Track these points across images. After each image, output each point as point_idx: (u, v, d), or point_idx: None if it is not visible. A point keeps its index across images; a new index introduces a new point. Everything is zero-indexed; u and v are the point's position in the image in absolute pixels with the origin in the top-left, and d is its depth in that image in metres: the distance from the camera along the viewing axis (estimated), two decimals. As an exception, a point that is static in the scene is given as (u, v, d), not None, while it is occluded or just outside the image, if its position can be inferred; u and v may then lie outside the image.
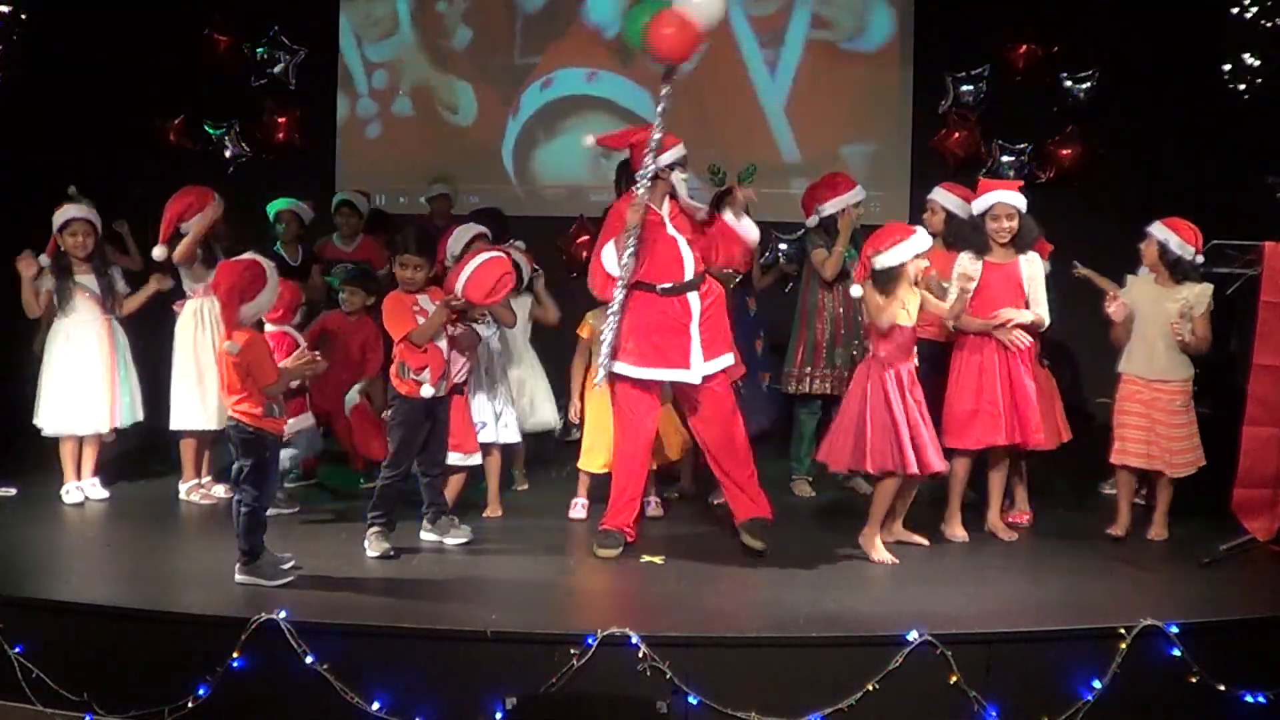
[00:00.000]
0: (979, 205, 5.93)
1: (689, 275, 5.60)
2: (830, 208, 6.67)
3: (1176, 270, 5.78)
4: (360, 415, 6.51)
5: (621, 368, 5.63)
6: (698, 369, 5.61)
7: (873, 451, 5.47)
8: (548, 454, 7.32)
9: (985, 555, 5.78)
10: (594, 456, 6.27)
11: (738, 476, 5.74)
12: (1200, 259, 5.79)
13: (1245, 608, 5.04)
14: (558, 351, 6.72)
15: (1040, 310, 5.85)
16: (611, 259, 5.56)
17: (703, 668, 4.58)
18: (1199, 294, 5.76)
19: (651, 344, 5.59)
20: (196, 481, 6.46)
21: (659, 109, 5.46)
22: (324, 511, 6.31)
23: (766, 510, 5.76)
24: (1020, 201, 5.85)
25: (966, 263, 5.89)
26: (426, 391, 5.54)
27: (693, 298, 5.61)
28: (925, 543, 5.82)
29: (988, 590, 5.28)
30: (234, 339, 5.08)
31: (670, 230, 5.61)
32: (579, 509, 6.34)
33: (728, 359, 5.73)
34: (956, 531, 5.99)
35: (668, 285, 5.59)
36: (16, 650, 4.80)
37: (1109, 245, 6.40)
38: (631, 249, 5.48)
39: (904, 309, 5.50)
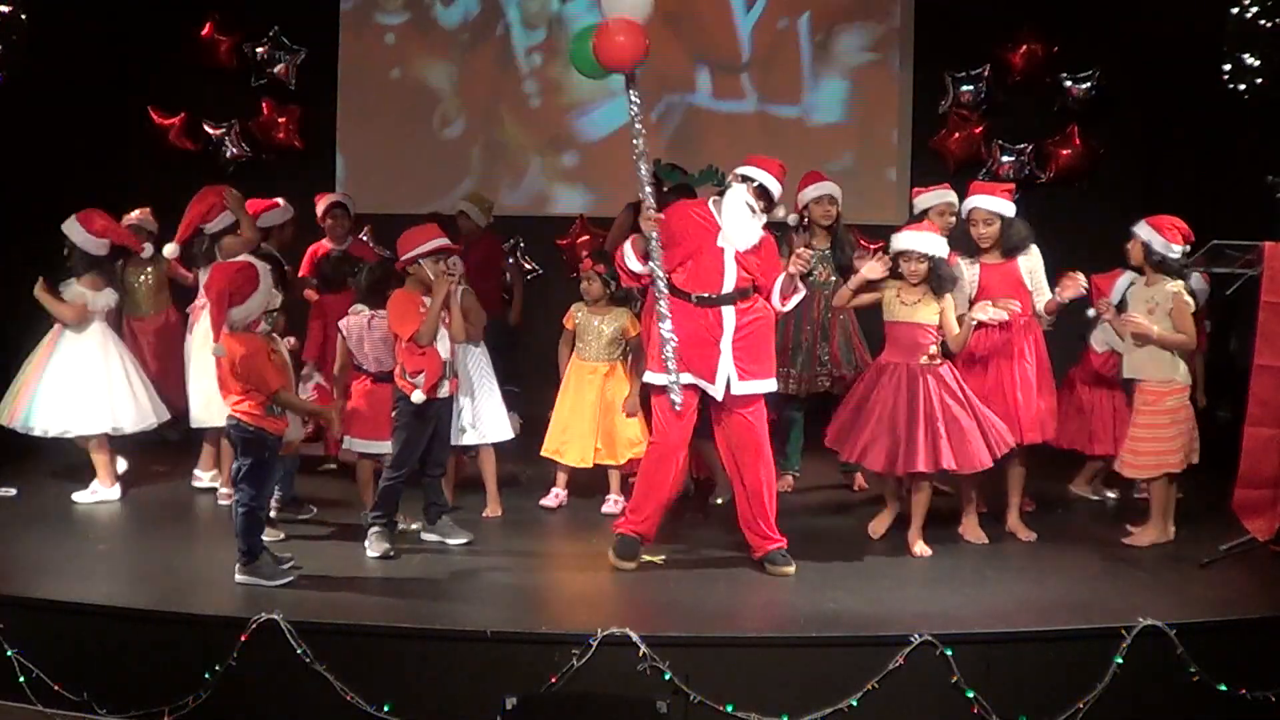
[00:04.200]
0: (964, 209, 5.96)
1: (727, 288, 5.42)
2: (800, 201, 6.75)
3: (1161, 270, 5.74)
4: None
5: (650, 376, 5.56)
6: (722, 385, 5.42)
7: (868, 447, 5.55)
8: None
9: (985, 555, 5.77)
10: (572, 448, 6.33)
11: (755, 515, 5.53)
12: (1185, 256, 5.73)
13: (1245, 608, 5.04)
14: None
15: (1046, 298, 5.86)
16: (631, 258, 5.53)
17: (703, 668, 4.58)
18: (1165, 292, 5.71)
19: (680, 351, 5.44)
20: (216, 470, 6.49)
21: (634, 114, 5.44)
22: (324, 512, 6.29)
23: (780, 541, 5.56)
24: (998, 206, 5.85)
25: (964, 267, 5.89)
26: (417, 397, 5.52)
27: (727, 312, 5.42)
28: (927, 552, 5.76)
29: (988, 590, 5.28)
30: (223, 342, 5.08)
31: (719, 241, 5.43)
32: (550, 498, 6.42)
33: (767, 385, 5.52)
34: (975, 535, 5.95)
35: (703, 295, 5.43)
36: (16, 650, 4.80)
37: (1109, 245, 6.40)
38: (654, 253, 5.41)
39: (902, 305, 5.57)
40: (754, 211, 5.40)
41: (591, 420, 6.32)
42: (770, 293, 5.53)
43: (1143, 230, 5.79)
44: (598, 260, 6.42)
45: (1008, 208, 5.87)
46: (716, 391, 5.44)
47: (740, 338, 5.44)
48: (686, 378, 5.46)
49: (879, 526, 5.97)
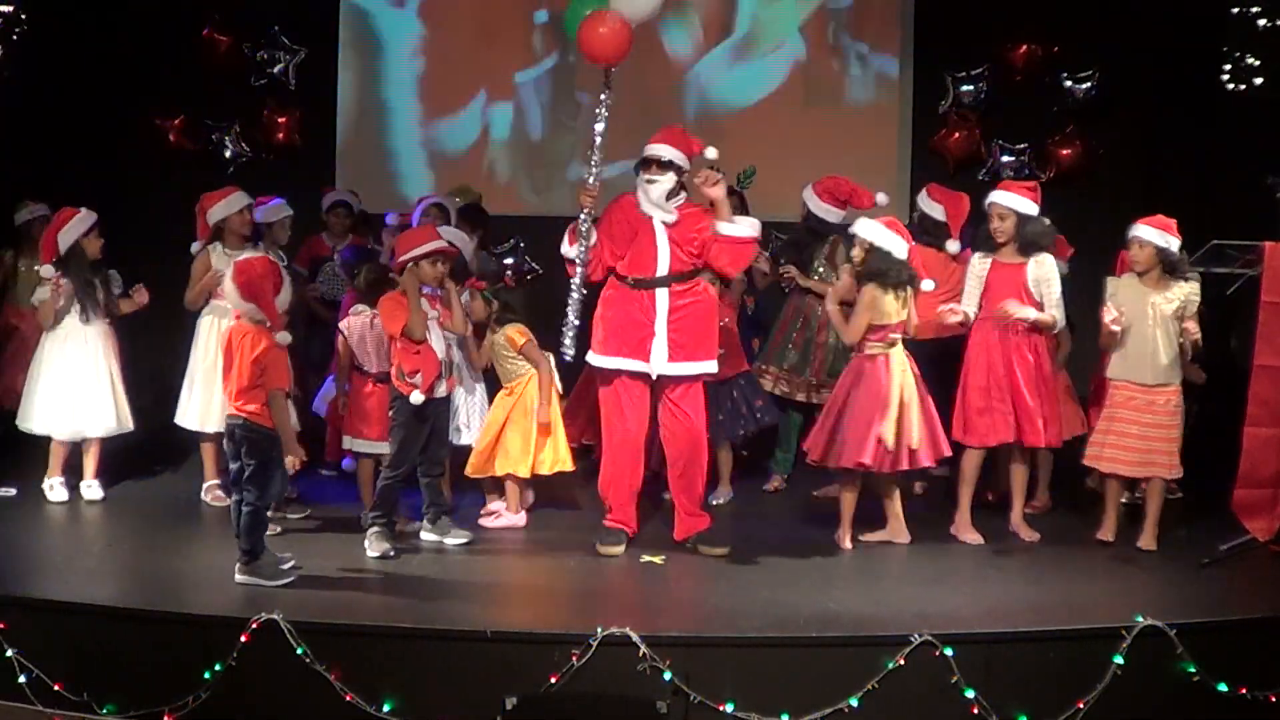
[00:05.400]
0: (986, 204, 5.96)
1: (661, 271, 5.57)
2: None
3: (1176, 271, 5.72)
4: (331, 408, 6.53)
5: (590, 356, 5.74)
6: (657, 366, 5.58)
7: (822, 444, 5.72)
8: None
9: (985, 555, 5.78)
10: (508, 459, 6.09)
11: (683, 497, 5.74)
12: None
13: (1245, 608, 5.05)
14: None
15: (1054, 311, 5.83)
16: (565, 243, 5.74)
17: (703, 668, 4.59)
18: (1190, 293, 5.70)
19: (615, 334, 5.63)
20: (216, 481, 6.47)
21: (600, 111, 5.60)
22: (324, 512, 6.29)
23: (706, 521, 5.78)
24: (1015, 203, 5.85)
25: (976, 260, 5.90)
26: (416, 398, 5.53)
27: (661, 294, 5.58)
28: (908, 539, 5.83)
29: (988, 590, 5.28)
30: (284, 331, 5.12)
31: (654, 226, 5.58)
32: (493, 519, 6.17)
33: (703, 366, 5.65)
34: (968, 534, 5.94)
35: (639, 278, 5.60)
36: (16, 650, 4.80)
37: (1109, 245, 6.41)
38: (584, 232, 5.61)
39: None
40: (656, 191, 5.54)
41: (521, 431, 6.11)
42: (718, 264, 5.68)
43: (1154, 235, 5.70)
44: (480, 278, 6.30)
45: (1024, 205, 5.86)
46: (650, 369, 5.58)
47: (675, 319, 5.57)
48: (621, 362, 5.60)
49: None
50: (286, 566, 5.24)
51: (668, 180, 5.57)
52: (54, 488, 6.39)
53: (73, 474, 6.50)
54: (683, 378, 5.63)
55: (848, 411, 5.65)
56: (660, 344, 5.57)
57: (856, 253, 5.69)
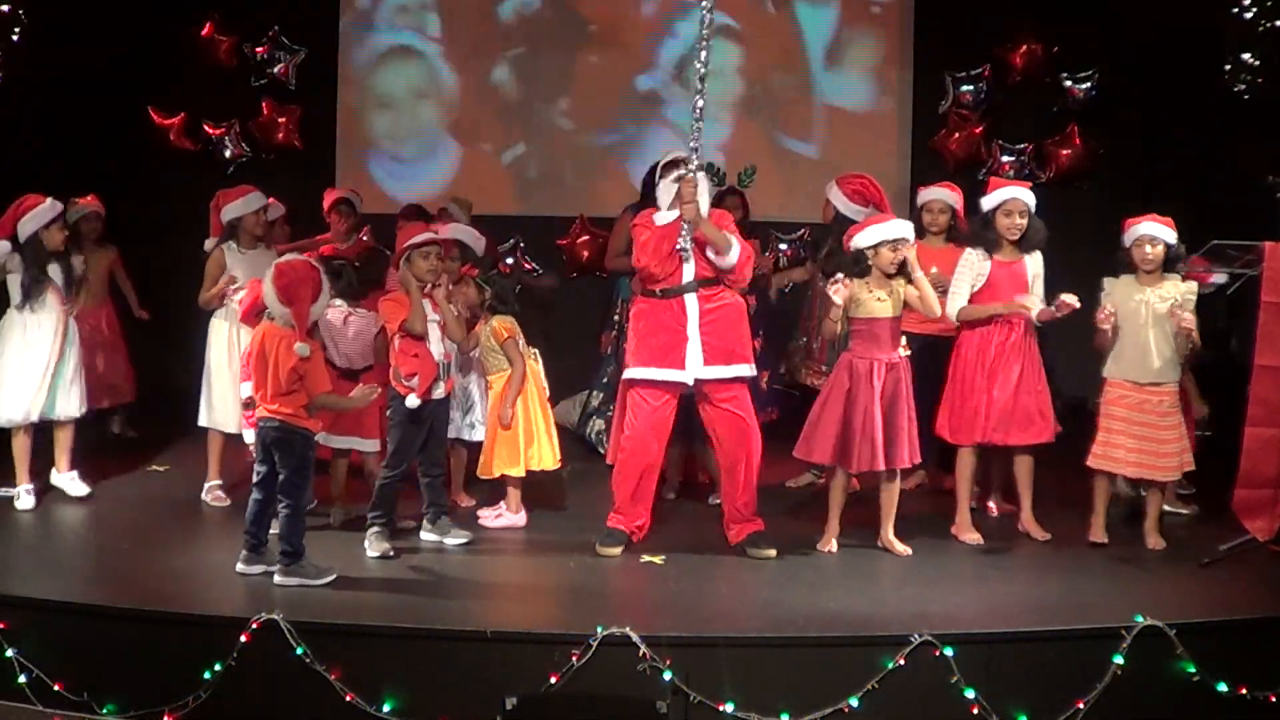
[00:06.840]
0: (989, 201, 5.92)
1: (687, 278, 5.59)
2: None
3: (1175, 265, 5.72)
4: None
5: (626, 371, 5.74)
6: (693, 371, 5.58)
7: (817, 445, 5.64)
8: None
9: (985, 555, 5.77)
10: (502, 460, 6.06)
11: (737, 500, 5.71)
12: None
13: (1245, 608, 5.04)
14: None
15: (1040, 306, 5.85)
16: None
17: (703, 668, 4.59)
18: (1186, 291, 5.68)
19: (649, 345, 5.62)
20: (218, 482, 6.44)
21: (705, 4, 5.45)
22: (323, 512, 6.29)
23: (759, 524, 5.73)
24: (1032, 200, 5.87)
25: (975, 260, 5.89)
26: (412, 402, 5.52)
27: (690, 300, 5.59)
28: (908, 551, 5.74)
29: (988, 590, 5.28)
30: (305, 342, 5.07)
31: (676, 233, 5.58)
32: (494, 518, 6.14)
33: (739, 369, 5.64)
34: (968, 534, 5.93)
35: (666, 288, 5.61)
36: (16, 650, 4.80)
37: (1109, 245, 6.41)
38: (684, 241, 5.53)
39: (878, 300, 5.57)
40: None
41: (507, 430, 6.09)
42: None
43: (1163, 232, 5.67)
44: (475, 264, 6.22)
45: (1034, 202, 5.90)
46: (686, 377, 5.57)
47: (707, 323, 5.59)
48: (654, 372, 5.59)
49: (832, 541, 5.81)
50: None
51: (702, 173, 5.63)
52: (20, 496, 6.21)
53: (40, 476, 6.36)
54: (724, 381, 5.63)
55: (898, 412, 5.58)
56: (694, 348, 5.58)
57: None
